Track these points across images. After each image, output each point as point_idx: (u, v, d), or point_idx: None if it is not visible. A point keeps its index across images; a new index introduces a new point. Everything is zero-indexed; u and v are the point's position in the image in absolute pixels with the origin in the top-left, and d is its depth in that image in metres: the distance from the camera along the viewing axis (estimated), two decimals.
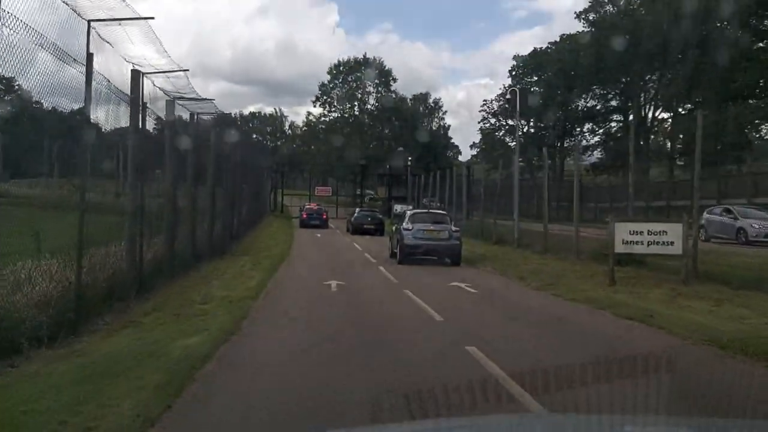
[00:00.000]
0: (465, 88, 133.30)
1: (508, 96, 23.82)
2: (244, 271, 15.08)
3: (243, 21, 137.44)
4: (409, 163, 49.31)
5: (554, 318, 9.75)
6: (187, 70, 14.71)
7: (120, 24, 9.72)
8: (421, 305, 10.47)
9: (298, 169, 74.88)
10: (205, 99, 20.83)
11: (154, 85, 12.86)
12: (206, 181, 18.34)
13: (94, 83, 8.65)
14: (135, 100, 10.87)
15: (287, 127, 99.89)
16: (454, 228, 18.71)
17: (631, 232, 12.92)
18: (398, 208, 38.47)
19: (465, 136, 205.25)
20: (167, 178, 13.84)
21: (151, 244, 12.42)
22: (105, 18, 9.15)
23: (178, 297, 10.95)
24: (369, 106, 69.43)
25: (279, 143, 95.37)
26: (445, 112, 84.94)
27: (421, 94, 78.86)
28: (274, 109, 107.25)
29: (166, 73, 13.32)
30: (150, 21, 10.93)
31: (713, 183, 34.80)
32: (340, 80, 69.81)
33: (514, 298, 12.22)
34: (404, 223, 18.54)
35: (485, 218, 28.57)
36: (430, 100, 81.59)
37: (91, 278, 8.93)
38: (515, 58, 70.16)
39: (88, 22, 8.83)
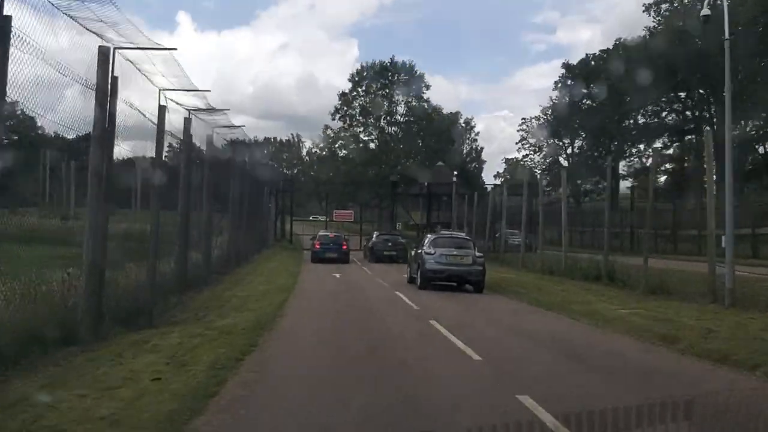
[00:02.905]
0: (483, 120, 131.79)
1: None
2: (140, 390, 5.21)
3: (264, 57, 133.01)
4: (454, 179, 38.60)
5: None
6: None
7: None
8: None
9: (315, 194, 64.93)
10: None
11: None
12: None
13: None
14: None
15: (305, 154, 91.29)
16: (477, 253, 17.98)
17: None
18: None
19: (486, 167, 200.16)
20: None
21: None
22: None
23: None
24: (398, 117, 58.78)
25: (296, 171, 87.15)
26: (478, 133, 75.71)
27: (451, 113, 69.50)
28: (291, 134, 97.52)
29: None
30: None
31: None
32: (363, 88, 59.14)
33: None
34: (425, 247, 18.00)
35: (601, 254, 20.03)
36: (461, 120, 72.29)
37: None
38: (564, 66, 62.20)
39: None
